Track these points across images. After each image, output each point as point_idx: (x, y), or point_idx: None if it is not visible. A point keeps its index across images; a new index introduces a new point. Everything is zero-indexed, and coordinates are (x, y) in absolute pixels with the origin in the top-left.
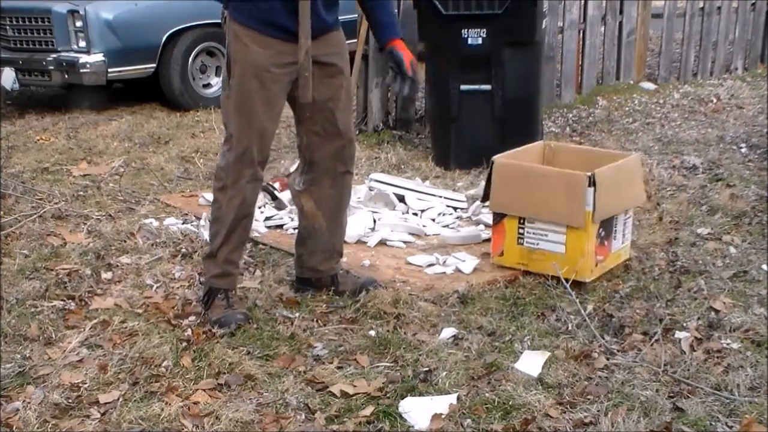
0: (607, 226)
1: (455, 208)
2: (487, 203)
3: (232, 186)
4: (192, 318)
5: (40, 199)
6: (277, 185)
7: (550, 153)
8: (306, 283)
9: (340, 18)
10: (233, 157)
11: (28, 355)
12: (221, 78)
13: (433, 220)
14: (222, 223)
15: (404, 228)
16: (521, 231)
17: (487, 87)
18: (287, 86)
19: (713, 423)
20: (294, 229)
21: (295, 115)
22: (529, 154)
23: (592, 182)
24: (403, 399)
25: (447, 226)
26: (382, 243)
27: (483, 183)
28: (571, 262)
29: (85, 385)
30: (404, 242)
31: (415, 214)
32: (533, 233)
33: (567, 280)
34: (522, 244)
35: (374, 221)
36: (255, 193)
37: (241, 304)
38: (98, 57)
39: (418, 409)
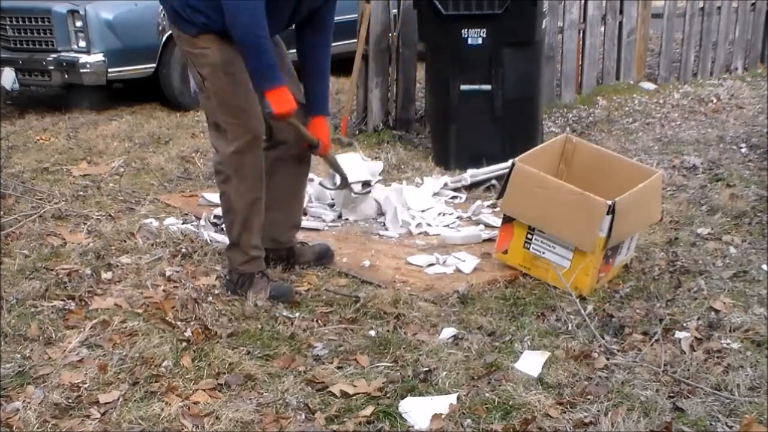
0: (615, 246)
1: (456, 189)
2: (498, 202)
3: (235, 174)
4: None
5: (40, 199)
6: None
7: (570, 148)
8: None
9: (339, 18)
10: (232, 149)
11: (28, 355)
12: (193, 83)
13: (429, 224)
14: (236, 213)
15: (395, 211)
16: (529, 237)
17: (487, 87)
18: None
19: (713, 423)
20: None
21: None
22: (549, 152)
23: (611, 210)
24: (403, 399)
25: (447, 226)
26: (382, 243)
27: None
28: (575, 278)
29: (85, 385)
30: (386, 227)
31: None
32: (541, 242)
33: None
34: (527, 248)
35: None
36: (259, 174)
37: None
38: (98, 57)
39: (418, 409)
